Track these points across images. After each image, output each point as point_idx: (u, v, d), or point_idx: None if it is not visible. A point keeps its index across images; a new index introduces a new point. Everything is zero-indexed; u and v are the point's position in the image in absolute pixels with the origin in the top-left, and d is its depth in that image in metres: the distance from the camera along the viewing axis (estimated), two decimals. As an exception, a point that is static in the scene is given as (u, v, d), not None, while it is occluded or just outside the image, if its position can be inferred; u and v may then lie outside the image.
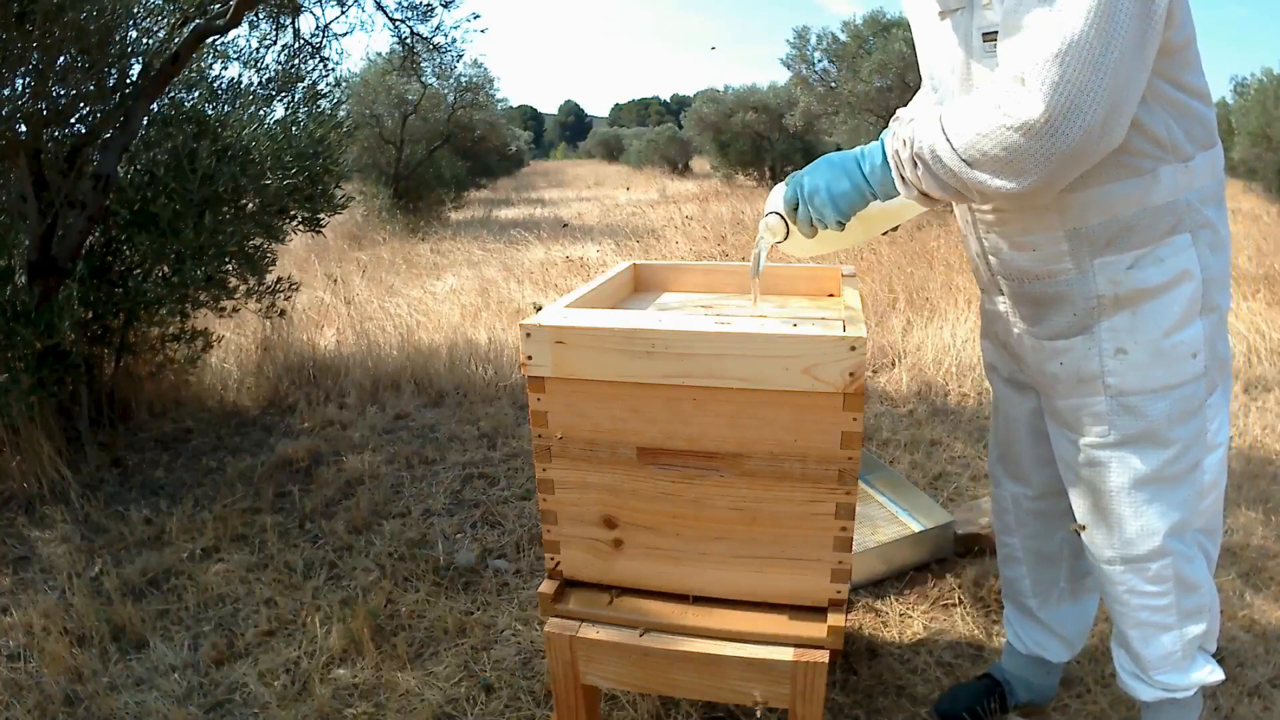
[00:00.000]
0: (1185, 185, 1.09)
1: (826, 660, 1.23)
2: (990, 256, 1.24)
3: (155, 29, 2.90)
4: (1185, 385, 1.14)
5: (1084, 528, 1.28)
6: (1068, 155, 0.95)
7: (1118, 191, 1.09)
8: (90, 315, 2.96)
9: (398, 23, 4.89)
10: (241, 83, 3.37)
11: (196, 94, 3.27)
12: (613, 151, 33.68)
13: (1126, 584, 1.25)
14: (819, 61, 11.24)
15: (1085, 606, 1.54)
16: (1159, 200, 1.09)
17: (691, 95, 24.13)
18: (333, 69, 3.90)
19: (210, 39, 3.05)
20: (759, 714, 1.28)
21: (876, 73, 9.73)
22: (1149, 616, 1.25)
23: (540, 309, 1.28)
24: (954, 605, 1.95)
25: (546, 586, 1.35)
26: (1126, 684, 1.34)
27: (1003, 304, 1.28)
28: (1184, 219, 1.10)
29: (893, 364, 3.77)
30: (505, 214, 11.87)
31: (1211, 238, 1.13)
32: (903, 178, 1.10)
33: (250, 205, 3.23)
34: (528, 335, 1.23)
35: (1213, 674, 1.30)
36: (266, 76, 3.46)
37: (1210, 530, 1.28)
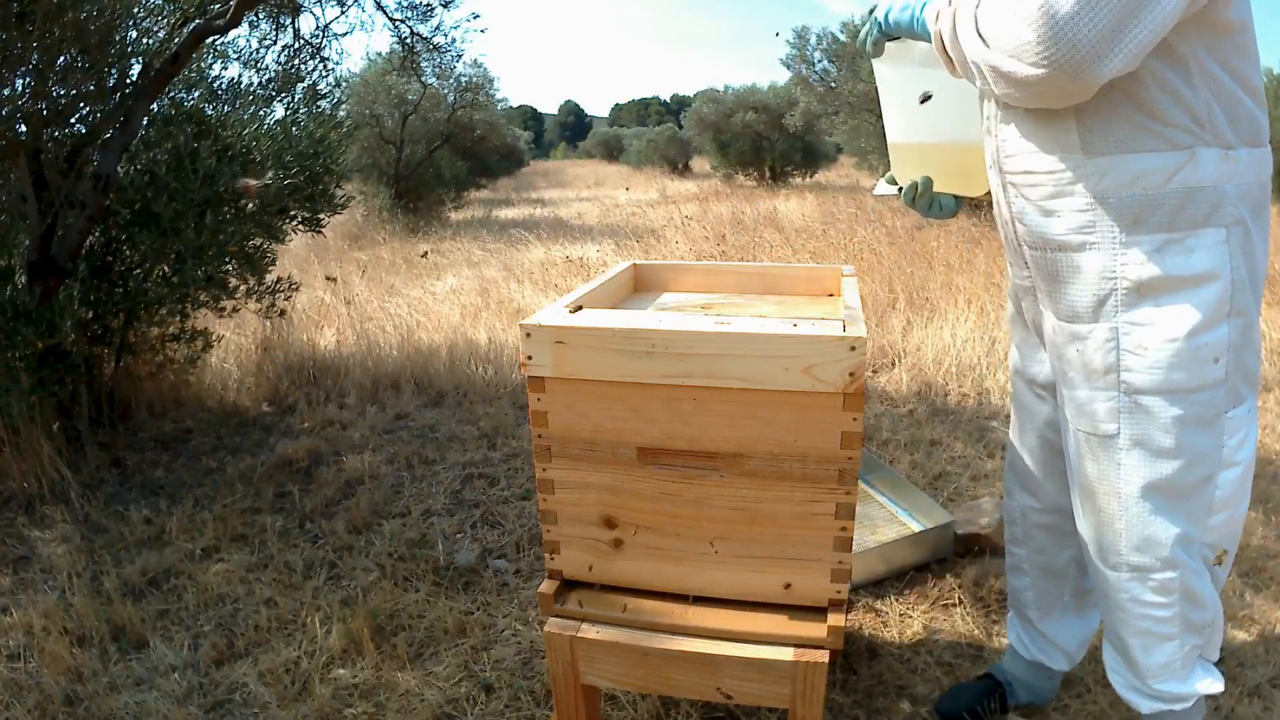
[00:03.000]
0: (1227, 175, 1.06)
1: (826, 660, 1.23)
2: (1017, 223, 1.21)
3: (155, 29, 2.90)
4: (1204, 391, 1.10)
5: None
6: (1063, 63, 0.96)
7: (1149, 163, 1.06)
8: (90, 315, 2.96)
9: (398, 23, 4.90)
10: (241, 83, 3.37)
11: (196, 94, 3.27)
12: (613, 151, 33.69)
13: (1130, 592, 1.22)
14: (819, 61, 11.25)
15: (1088, 620, 1.53)
16: (1194, 182, 1.06)
17: (691, 95, 24.14)
18: (333, 69, 3.91)
19: (210, 39, 3.05)
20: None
21: (876, 72, 9.71)
22: (1151, 626, 1.22)
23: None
24: (954, 605, 1.95)
25: (546, 586, 1.35)
26: (1124, 697, 1.32)
27: (1027, 279, 1.27)
28: (1220, 210, 1.07)
29: (893, 364, 3.77)
30: (505, 214, 11.87)
31: (1244, 238, 1.09)
32: (938, 17, 1.13)
33: (250, 205, 3.23)
34: (528, 335, 1.23)
35: (1213, 685, 1.25)
36: (266, 76, 3.47)
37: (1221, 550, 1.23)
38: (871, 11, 1.30)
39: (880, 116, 1.51)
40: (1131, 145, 1.06)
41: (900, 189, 1.44)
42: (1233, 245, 1.08)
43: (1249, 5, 1.04)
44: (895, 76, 1.40)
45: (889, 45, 1.34)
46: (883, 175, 1.50)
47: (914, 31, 1.22)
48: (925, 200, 1.41)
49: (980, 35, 1.04)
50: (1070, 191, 1.12)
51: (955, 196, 1.43)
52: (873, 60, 1.41)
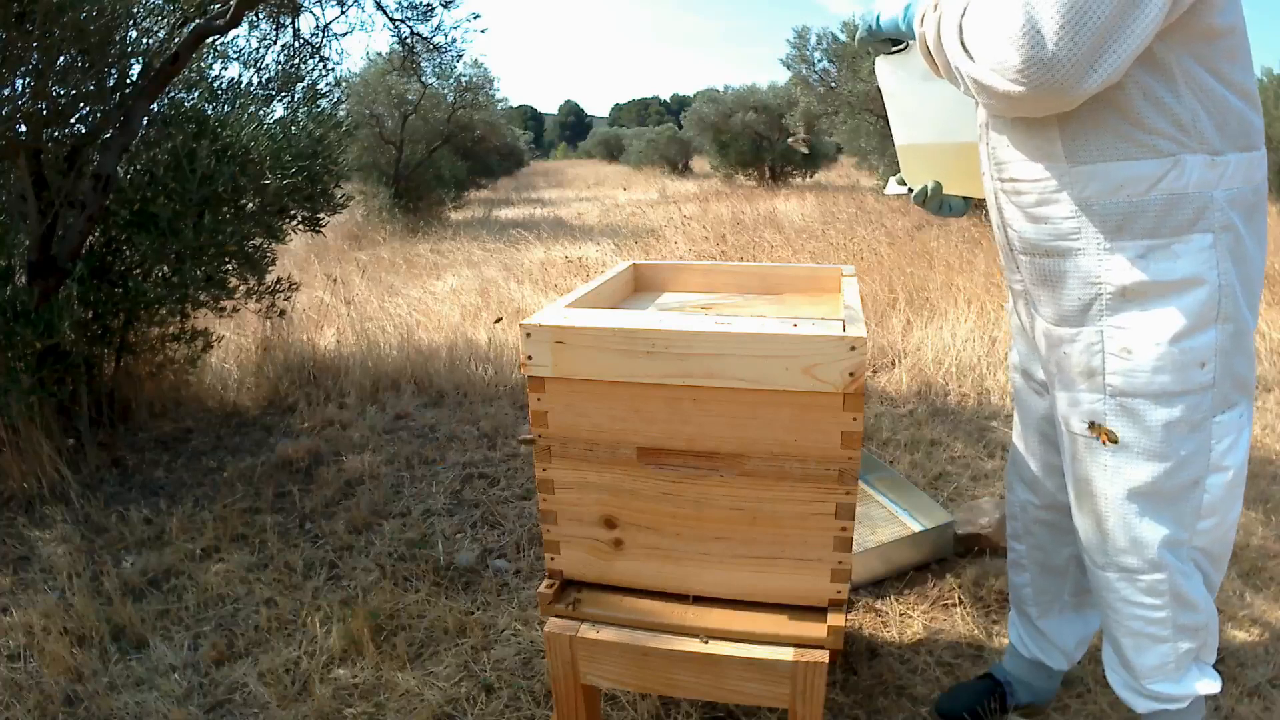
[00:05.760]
0: (1214, 181, 1.06)
1: (826, 660, 1.23)
2: (1009, 229, 1.22)
3: (155, 29, 2.90)
4: (1191, 395, 1.10)
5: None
6: (1045, 83, 0.96)
7: (1133, 170, 1.06)
8: (90, 315, 2.96)
9: (398, 23, 4.90)
10: (241, 83, 3.37)
11: (196, 94, 3.27)
12: (613, 151, 33.65)
13: (1119, 593, 1.23)
14: (819, 61, 11.23)
15: (1087, 620, 1.53)
16: (1179, 188, 1.05)
17: (691, 95, 24.15)
18: (333, 69, 3.92)
19: (210, 39, 3.05)
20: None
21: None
22: (1143, 627, 1.22)
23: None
24: (954, 605, 1.95)
25: (546, 586, 1.35)
26: (1121, 696, 1.33)
27: (1019, 283, 1.27)
28: (1206, 216, 1.06)
29: (893, 364, 3.77)
30: (505, 214, 11.87)
31: (1233, 243, 1.08)
32: (923, 20, 1.14)
33: (250, 205, 3.24)
34: (528, 335, 1.23)
35: (1209, 686, 1.25)
36: (266, 76, 3.47)
37: (1213, 555, 1.23)
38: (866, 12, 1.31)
39: (881, 117, 1.52)
40: (1115, 153, 1.07)
41: (910, 190, 1.44)
42: (1220, 251, 1.07)
43: (1238, 9, 1.03)
44: (898, 78, 1.40)
45: (892, 47, 1.34)
46: (893, 175, 1.51)
47: (901, 32, 1.22)
48: (935, 202, 1.42)
49: (964, 46, 1.04)
50: (1056, 199, 1.13)
51: (964, 197, 1.43)
52: (876, 61, 1.41)
